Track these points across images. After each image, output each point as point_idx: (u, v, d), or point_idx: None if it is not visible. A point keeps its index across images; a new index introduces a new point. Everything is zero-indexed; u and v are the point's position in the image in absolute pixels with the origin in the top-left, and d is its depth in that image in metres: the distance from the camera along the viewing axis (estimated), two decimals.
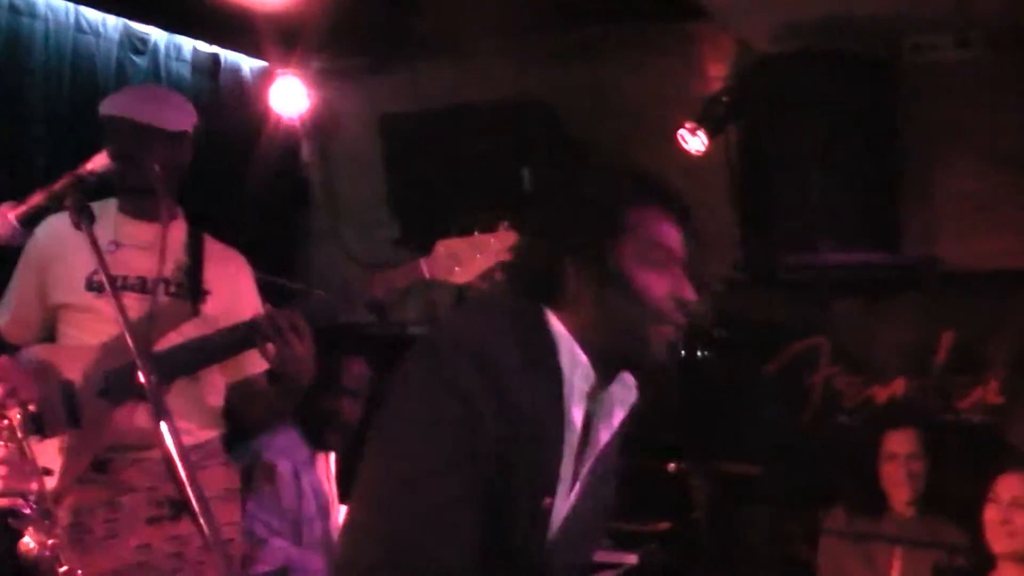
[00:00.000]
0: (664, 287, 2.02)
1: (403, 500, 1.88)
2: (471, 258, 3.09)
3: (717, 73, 5.25)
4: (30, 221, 2.63)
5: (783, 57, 4.83)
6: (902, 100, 5.01)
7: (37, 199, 2.61)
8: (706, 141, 4.90)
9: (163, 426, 2.18)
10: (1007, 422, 4.97)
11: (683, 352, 2.07)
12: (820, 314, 5.24)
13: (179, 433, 2.22)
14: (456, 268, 3.12)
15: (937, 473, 4.39)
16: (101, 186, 2.76)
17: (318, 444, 4.08)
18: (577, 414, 2.02)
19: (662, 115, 5.20)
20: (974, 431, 5.00)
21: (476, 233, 3.12)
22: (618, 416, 2.10)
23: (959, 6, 4.70)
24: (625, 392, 2.10)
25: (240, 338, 3.22)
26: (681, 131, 4.90)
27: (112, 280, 3.17)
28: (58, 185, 2.62)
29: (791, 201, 4.72)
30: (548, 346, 2.01)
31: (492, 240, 3.08)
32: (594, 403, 2.06)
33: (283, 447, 3.97)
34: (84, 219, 2.60)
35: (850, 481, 4.54)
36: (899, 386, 5.13)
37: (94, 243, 2.56)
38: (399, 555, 1.85)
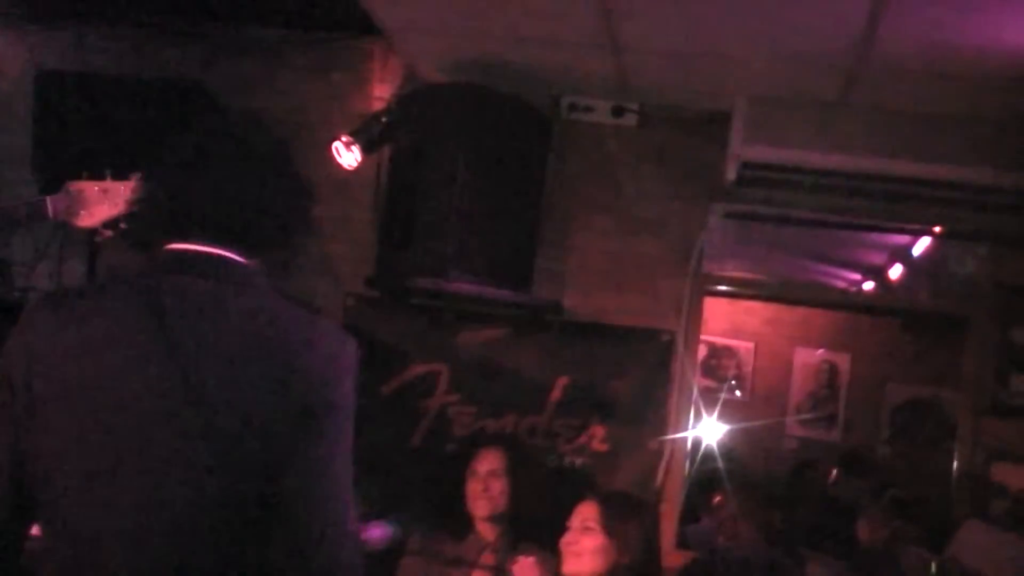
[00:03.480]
0: None
1: None
2: (99, 203, 3.04)
3: (383, 93, 5.33)
4: None
5: (442, 88, 4.93)
6: (554, 152, 5.23)
7: None
8: (359, 157, 4.94)
9: None
10: (608, 467, 5.25)
11: None
12: (444, 341, 5.37)
13: None
14: (82, 211, 3.06)
15: (526, 505, 4.62)
16: None
17: None
18: None
19: (323, 124, 5.26)
20: (573, 471, 5.26)
21: (108, 179, 3.07)
22: None
23: (620, 79, 4.95)
24: None
25: None
26: (336, 143, 4.94)
27: None
28: None
29: (429, 228, 4.77)
30: None
31: (123, 188, 3.04)
32: None
33: None
34: None
35: (437, 501, 4.71)
36: (509, 422, 5.32)
37: None
38: None
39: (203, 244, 2.27)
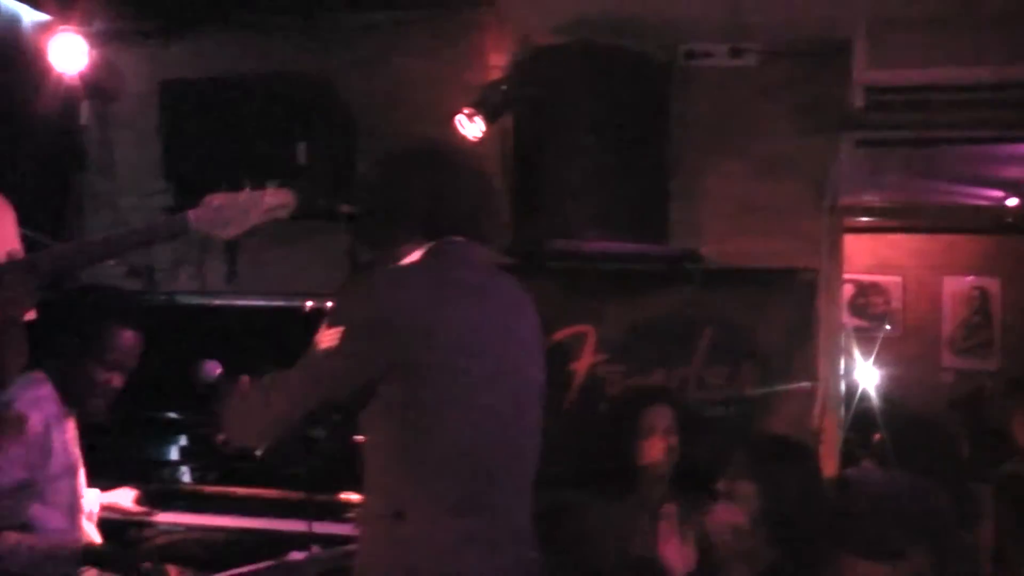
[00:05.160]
0: None
1: None
2: (243, 214, 3.10)
3: (499, 62, 5.34)
4: None
5: (559, 48, 4.90)
6: (676, 101, 5.16)
7: None
8: (483, 127, 4.95)
9: None
10: (761, 413, 5.19)
11: None
12: (586, 302, 5.36)
13: None
14: (227, 224, 3.12)
15: (685, 457, 4.61)
16: None
17: (74, 406, 3.96)
18: None
19: (443, 100, 5.27)
20: (726, 419, 5.22)
21: (247, 190, 3.13)
22: None
23: (734, 20, 4.89)
24: None
25: None
26: (459, 116, 4.95)
27: None
28: None
29: (559, 190, 4.78)
30: None
31: (263, 198, 3.10)
32: None
33: (36, 399, 3.83)
34: None
35: (607, 461, 4.72)
36: (660, 376, 5.29)
37: None
38: None
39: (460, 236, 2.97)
